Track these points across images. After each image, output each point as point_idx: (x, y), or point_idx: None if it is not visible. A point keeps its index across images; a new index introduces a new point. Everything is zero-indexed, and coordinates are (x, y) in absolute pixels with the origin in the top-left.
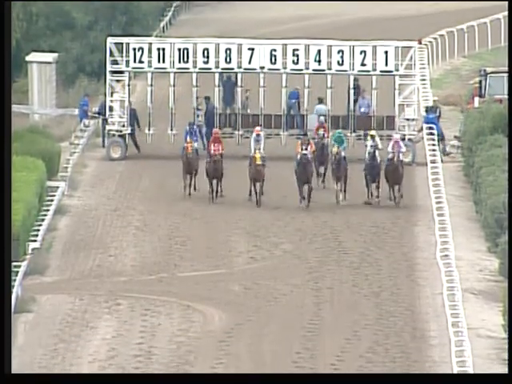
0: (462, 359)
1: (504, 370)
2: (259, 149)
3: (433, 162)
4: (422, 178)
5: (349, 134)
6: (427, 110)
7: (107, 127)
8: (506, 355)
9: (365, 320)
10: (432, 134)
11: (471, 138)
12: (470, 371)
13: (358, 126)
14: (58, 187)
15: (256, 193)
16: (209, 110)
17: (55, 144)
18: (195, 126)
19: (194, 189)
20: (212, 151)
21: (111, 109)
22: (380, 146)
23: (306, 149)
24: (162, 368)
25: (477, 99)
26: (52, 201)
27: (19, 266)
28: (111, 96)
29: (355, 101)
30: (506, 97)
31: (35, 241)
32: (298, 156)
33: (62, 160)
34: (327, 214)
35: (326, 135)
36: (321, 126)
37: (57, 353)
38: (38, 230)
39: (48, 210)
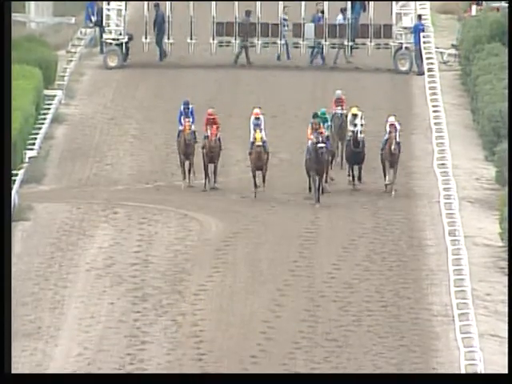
0: (458, 267)
1: (501, 278)
2: (260, 131)
3: (430, 70)
4: (419, 87)
5: (346, 43)
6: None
7: (104, 36)
8: (502, 263)
9: (362, 229)
10: (429, 42)
11: (468, 47)
12: (467, 279)
13: (355, 34)
14: (54, 96)
15: (255, 185)
16: (158, 16)
17: (52, 52)
18: (191, 106)
19: (194, 173)
20: (208, 135)
21: (108, 17)
22: (363, 126)
23: (319, 137)
24: (159, 276)
25: (474, 7)
26: (49, 109)
27: (16, 175)
28: (108, 4)
29: (364, 9)
30: (504, 5)
31: (32, 149)
32: (309, 142)
33: (58, 68)
34: None
35: (344, 108)
36: (339, 100)
37: (54, 261)
38: (35, 139)
39: (45, 119)
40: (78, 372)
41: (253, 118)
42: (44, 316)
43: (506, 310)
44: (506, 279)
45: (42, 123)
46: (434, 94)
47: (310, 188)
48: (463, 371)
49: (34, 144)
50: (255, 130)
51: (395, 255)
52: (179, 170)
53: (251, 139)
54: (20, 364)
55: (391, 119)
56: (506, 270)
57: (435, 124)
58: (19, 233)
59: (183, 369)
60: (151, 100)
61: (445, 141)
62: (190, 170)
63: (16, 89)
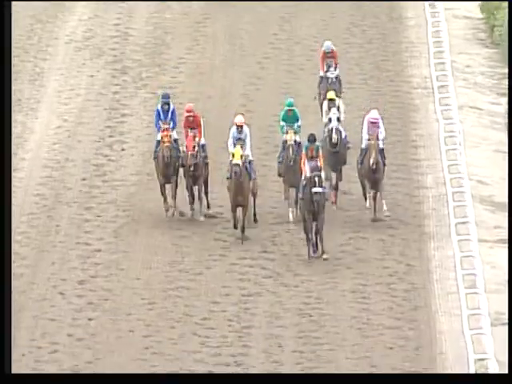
0: (438, 40)
1: (480, 50)
2: (241, 146)
3: None
4: None
5: None
6: None
7: None
8: (482, 35)
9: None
10: None
11: None
12: (447, 51)
13: None
14: None
15: (235, 224)
16: None
17: None
18: (171, 102)
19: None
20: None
21: None
22: (343, 116)
23: (315, 170)
24: (139, 49)
25: None
26: None
27: None
28: None
29: None
30: None
31: None
32: (303, 176)
33: None
34: None
35: (336, 66)
36: (329, 53)
37: (33, 33)
38: None
39: None
40: (57, 144)
41: (234, 128)
42: (23, 88)
43: (485, 81)
44: (485, 51)
45: None
46: None
47: (308, 240)
48: (442, 142)
49: None
50: (235, 145)
51: (375, 28)
52: None
53: (230, 159)
54: None
55: (373, 114)
56: (486, 42)
57: None
58: None
59: None
60: None
61: None
62: (174, 196)
63: None
